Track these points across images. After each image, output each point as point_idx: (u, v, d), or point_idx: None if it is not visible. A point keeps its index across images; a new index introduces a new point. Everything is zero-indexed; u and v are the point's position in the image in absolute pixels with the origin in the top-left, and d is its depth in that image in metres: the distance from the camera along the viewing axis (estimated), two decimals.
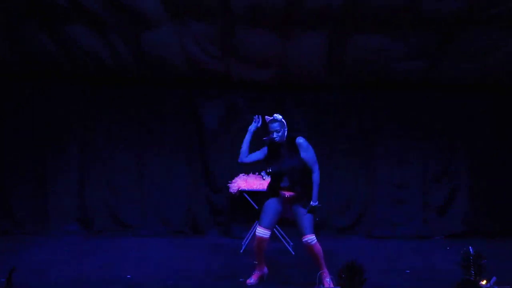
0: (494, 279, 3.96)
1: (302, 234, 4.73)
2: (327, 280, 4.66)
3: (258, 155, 4.91)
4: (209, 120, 7.69)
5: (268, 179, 6.73)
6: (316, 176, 4.77)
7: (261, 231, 4.79)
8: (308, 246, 4.70)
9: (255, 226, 6.72)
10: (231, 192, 6.84)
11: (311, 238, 4.70)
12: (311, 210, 4.72)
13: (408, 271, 5.50)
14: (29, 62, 7.22)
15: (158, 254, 6.28)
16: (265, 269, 5.07)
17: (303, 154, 4.73)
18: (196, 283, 4.97)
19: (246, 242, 6.64)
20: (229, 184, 6.89)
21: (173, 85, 7.65)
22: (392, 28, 6.56)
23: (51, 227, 7.47)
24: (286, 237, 6.74)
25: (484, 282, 3.91)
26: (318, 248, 4.72)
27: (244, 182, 6.76)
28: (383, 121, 7.80)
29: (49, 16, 6.40)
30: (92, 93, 7.66)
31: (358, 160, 7.80)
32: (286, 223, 7.27)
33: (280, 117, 4.85)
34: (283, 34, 6.63)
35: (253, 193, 6.71)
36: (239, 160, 4.92)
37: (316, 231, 7.47)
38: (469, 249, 4.01)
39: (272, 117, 4.83)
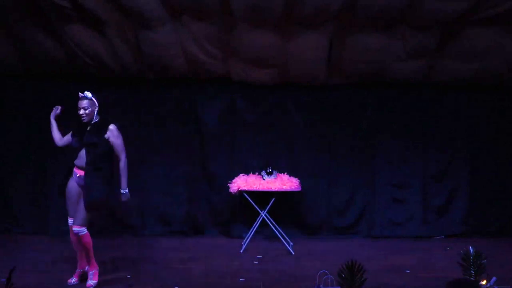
0: (494, 279, 3.96)
1: (76, 222, 4.66)
2: (91, 273, 4.70)
3: (68, 135, 4.91)
4: (209, 120, 7.69)
5: (268, 179, 6.76)
6: (122, 164, 4.74)
7: (70, 220, 4.75)
8: (78, 236, 4.67)
9: (255, 226, 6.74)
10: (231, 192, 6.83)
11: (81, 229, 4.63)
12: (122, 196, 4.72)
13: (408, 271, 5.51)
14: (29, 62, 7.22)
15: (158, 254, 6.29)
16: (87, 267, 4.87)
17: (112, 139, 4.67)
18: (196, 283, 4.97)
19: (246, 242, 6.64)
20: (229, 184, 6.89)
21: (173, 85, 7.64)
22: (392, 28, 6.57)
23: (51, 227, 7.47)
24: (286, 237, 6.74)
25: (484, 282, 3.91)
26: (85, 238, 4.64)
27: (244, 182, 6.76)
28: (383, 121, 7.79)
29: (49, 16, 6.40)
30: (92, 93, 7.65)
31: (358, 160, 7.79)
32: (287, 222, 7.38)
33: (90, 95, 4.73)
34: (283, 34, 6.64)
35: (253, 193, 6.71)
36: (56, 145, 4.93)
37: (315, 231, 7.62)
38: (469, 249, 4.02)
39: (82, 94, 4.71)
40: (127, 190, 4.71)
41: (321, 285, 4.40)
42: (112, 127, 4.69)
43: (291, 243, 6.68)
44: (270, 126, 7.73)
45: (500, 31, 6.65)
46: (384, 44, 6.79)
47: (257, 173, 6.95)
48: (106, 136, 4.66)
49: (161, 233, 7.54)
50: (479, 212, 7.81)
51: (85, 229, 4.64)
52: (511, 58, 7.04)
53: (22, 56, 7.12)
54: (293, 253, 6.44)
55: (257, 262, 5.96)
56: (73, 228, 4.63)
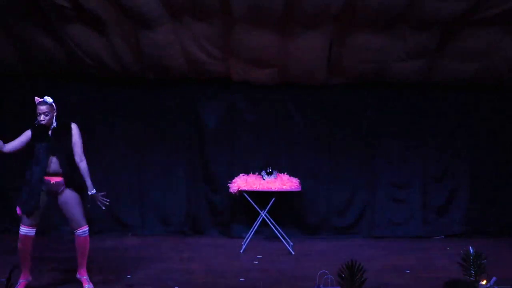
0: (494, 279, 3.96)
1: (76, 226, 4.54)
2: (85, 278, 4.63)
3: (21, 139, 4.68)
4: (209, 120, 7.69)
5: (268, 179, 6.76)
6: (84, 165, 4.60)
7: (25, 230, 4.49)
8: (82, 239, 4.57)
9: (255, 226, 6.74)
10: (231, 192, 6.83)
11: (86, 229, 4.58)
12: (91, 199, 4.57)
13: (408, 271, 5.51)
14: (29, 62, 7.22)
15: (158, 254, 6.29)
16: (30, 277, 4.64)
17: (74, 139, 4.59)
18: (196, 283, 4.97)
19: (246, 242, 6.64)
20: (229, 184, 6.89)
21: (173, 85, 7.65)
22: (392, 28, 6.56)
23: (50, 227, 7.47)
24: (286, 237, 6.74)
25: (484, 282, 3.91)
26: (88, 241, 4.60)
27: (244, 182, 6.76)
28: (383, 121, 7.80)
29: (49, 16, 6.40)
30: (91, 93, 7.66)
31: (358, 160, 7.80)
32: (287, 223, 7.37)
33: (51, 100, 4.63)
34: (283, 34, 6.64)
35: (253, 193, 6.71)
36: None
37: (315, 231, 7.63)
38: (469, 249, 4.01)
39: (42, 99, 4.61)
40: (94, 191, 4.58)
41: (321, 285, 4.40)
42: (73, 126, 4.65)
43: (291, 243, 6.68)
44: (270, 126, 7.74)
45: (500, 31, 6.65)
46: (384, 44, 6.79)
47: (257, 173, 6.94)
48: (72, 140, 4.60)
49: (161, 233, 7.55)
50: (479, 212, 7.81)
51: (88, 228, 4.62)
52: (511, 58, 7.04)
53: (22, 56, 7.12)
54: (293, 253, 6.44)
55: (257, 262, 5.96)
56: (82, 229, 4.56)
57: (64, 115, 7.49)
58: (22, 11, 6.37)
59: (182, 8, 6.29)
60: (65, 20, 6.42)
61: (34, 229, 4.57)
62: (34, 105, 7.87)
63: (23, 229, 4.52)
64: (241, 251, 6.52)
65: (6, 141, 7.50)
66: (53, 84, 7.56)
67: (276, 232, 6.76)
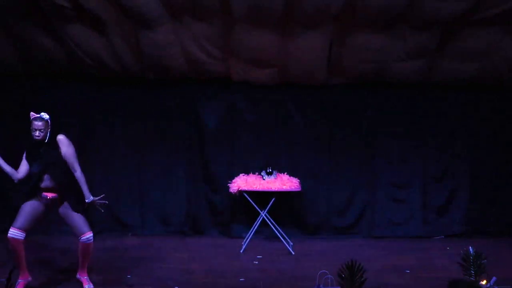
0: (494, 279, 3.96)
1: (80, 234, 4.54)
2: (86, 278, 4.67)
3: (23, 163, 4.66)
4: (209, 120, 7.69)
5: (268, 179, 6.76)
6: (78, 174, 4.56)
7: (13, 232, 4.48)
8: (86, 245, 4.57)
9: (255, 226, 6.74)
10: (231, 192, 6.84)
11: (90, 235, 4.57)
12: (88, 207, 4.58)
13: (408, 271, 5.51)
14: (29, 62, 7.22)
15: (158, 254, 6.29)
16: (29, 277, 4.64)
17: (63, 151, 4.51)
18: (196, 283, 4.97)
19: (246, 242, 6.64)
20: (229, 184, 6.89)
21: (173, 85, 7.65)
22: (392, 28, 6.57)
23: (50, 227, 7.46)
24: (286, 237, 6.74)
25: (484, 282, 3.91)
26: (91, 247, 4.62)
27: (244, 182, 6.76)
28: (383, 121, 7.79)
29: (49, 16, 6.41)
30: (91, 93, 7.66)
31: (358, 160, 7.80)
32: (287, 223, 7.38)
33: (47, 116, 4.57)
34: (283, 34, 6.64)
35: (253, 193, 6.71)
36: (15, 181, 4.66)
37: (315, 231, 7.63)
38: (469, 249, 4.01)
39: (38, 115, 4.55)
40: (91, 198, 4.58)
41: (321, 285, 4.40)
42: (60, 137, 4.56)
43: (291, 243, 6.68)
44: (270, 126, 7.74)
45: (500, 31, 6.65)
46: (384, 44, 6.79)
47: (257, 173, 6.95)
48: (62, 152, 4.53)
49: (161, 233, 7.54)
50: (479, 212, 7.80)
51: (92, 235, 4.62)
52: (511, 58, 7.04)
53: (22, 56, 7.12)
54: (293, 253, 6.44)
55: (257, 262, 5.96)
56: (86, 237, 4.55)
57: (64, 115, 7.61)
58: (22, 11, 6.37)
59: (182, 8, 6.29)
60: (65, 20, 6.42)
61: (23, 233, 4.54)
62: (34, 105, 7.88)
63: (11, 231, 4.51)
64: (241, 251, 6.52)
65: (6, 140, 7.51)
66: (53, 84, 7.58)
67: (276, 232, 6.76)
